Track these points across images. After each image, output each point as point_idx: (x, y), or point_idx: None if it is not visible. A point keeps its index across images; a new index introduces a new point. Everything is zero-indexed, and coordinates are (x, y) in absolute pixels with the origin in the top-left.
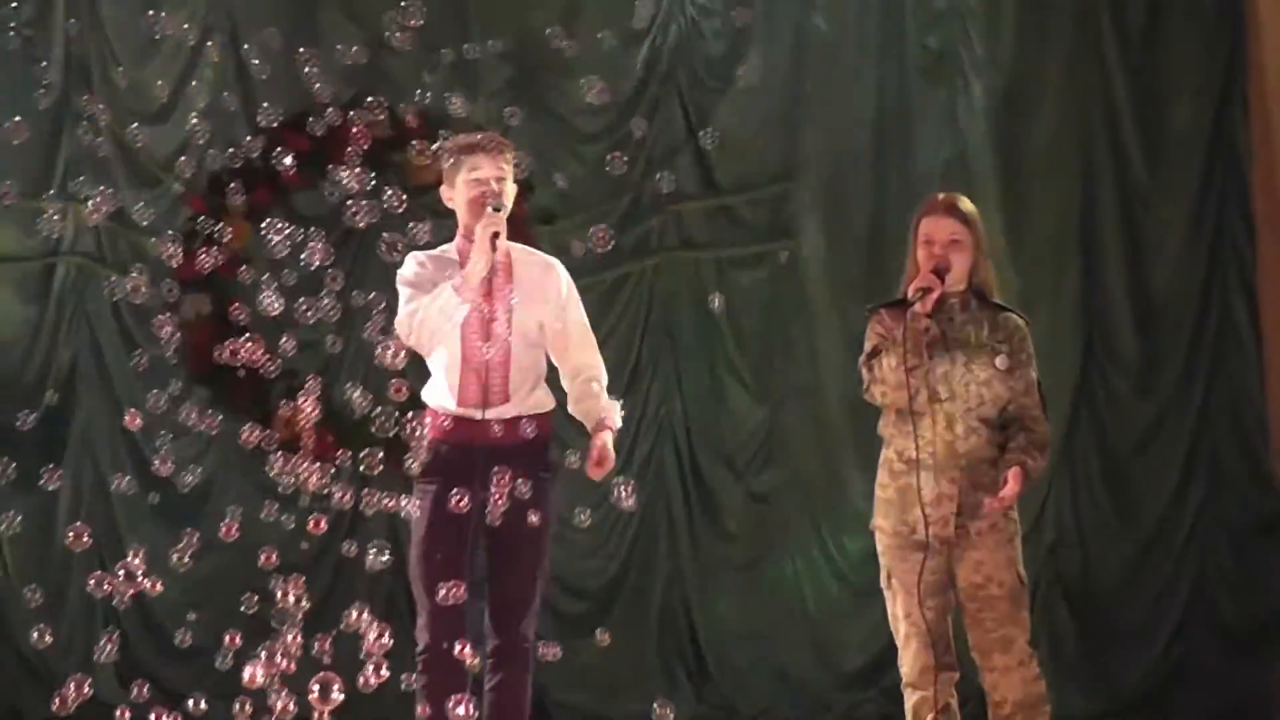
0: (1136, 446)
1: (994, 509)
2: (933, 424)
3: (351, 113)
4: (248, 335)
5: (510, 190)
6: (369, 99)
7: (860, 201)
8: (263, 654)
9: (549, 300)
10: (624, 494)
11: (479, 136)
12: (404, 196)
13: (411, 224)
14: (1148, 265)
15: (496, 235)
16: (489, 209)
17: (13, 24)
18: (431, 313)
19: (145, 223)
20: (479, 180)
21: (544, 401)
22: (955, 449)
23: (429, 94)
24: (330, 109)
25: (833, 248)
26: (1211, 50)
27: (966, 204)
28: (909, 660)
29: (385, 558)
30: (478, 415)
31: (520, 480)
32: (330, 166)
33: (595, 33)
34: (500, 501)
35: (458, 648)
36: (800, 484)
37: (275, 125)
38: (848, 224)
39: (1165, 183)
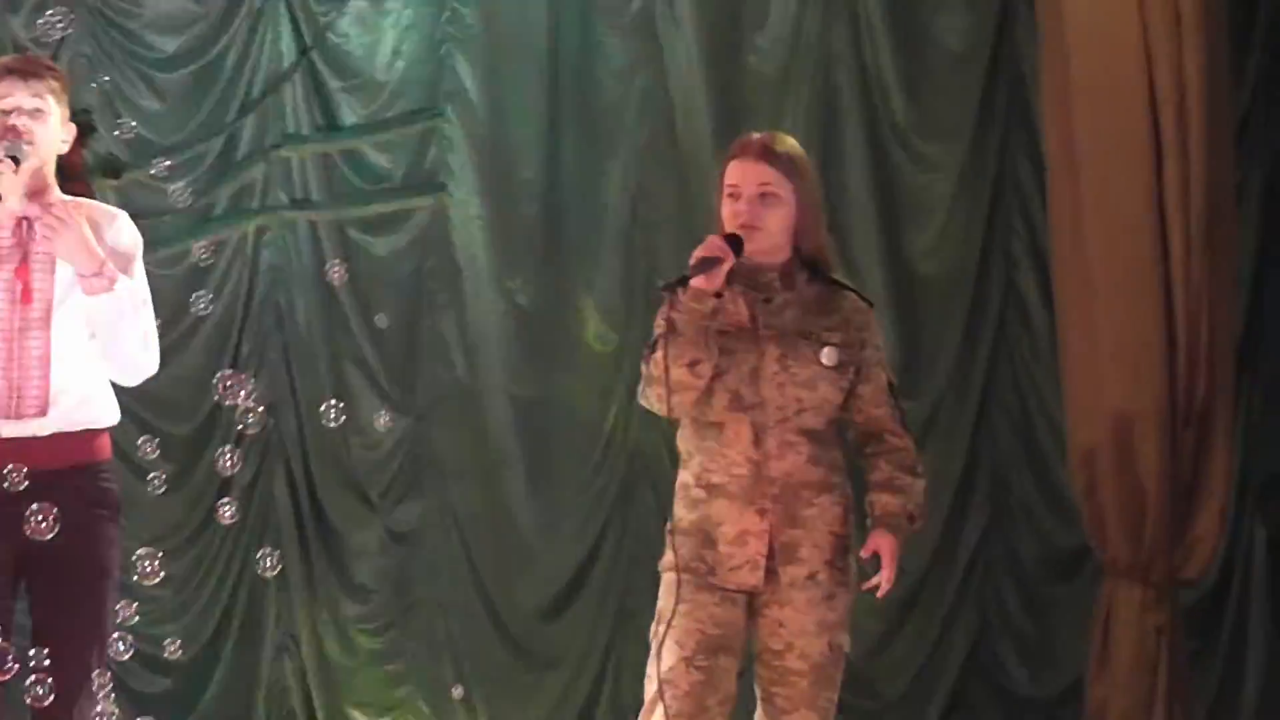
0: None
1: (886, 594)
2: (736, 438)
3: None
4: None
5: (52, 129)
6: None
7: (530, 143)
8: None
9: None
10: (171, 650)
11: (12, 58)
12: None
13: None
14: (907, 226)
15: None
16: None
17: None
18: None
19: None
20: (3, 113)
21: (99, 415)
22: (764, 471)
23: None
24: None
25: (495, 204)
26: None
27: (789, 144)
28: None
29: None
30: (5, 431)
31: (65, 519)
32: None
33: None
34: (35, 547)
35: None
36: (454, 518)
37: None
38: (514, 173)
39: (930, 118)
